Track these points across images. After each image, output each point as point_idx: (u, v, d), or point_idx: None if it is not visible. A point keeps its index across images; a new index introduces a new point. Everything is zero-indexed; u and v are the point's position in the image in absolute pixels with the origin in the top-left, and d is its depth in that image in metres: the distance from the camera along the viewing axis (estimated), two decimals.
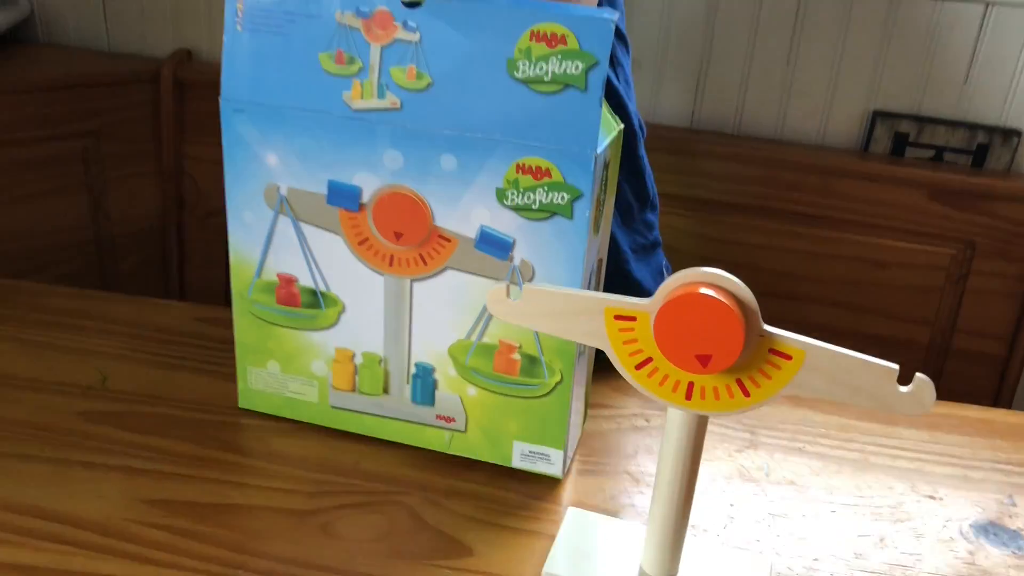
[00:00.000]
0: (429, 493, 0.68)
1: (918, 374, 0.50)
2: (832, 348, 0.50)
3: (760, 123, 1.20)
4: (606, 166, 0.63)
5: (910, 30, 1.12)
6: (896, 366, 0.50)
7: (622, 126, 0.66)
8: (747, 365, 0.51)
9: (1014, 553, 0.67)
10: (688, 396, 0.53)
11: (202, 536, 0.62)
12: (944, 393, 1.22)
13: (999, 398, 1.19)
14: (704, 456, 0.56)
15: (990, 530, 0.70)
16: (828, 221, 1.17)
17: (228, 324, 0.73)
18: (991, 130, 1.13)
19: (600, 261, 0.69)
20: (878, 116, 1.16)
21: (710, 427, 0.66)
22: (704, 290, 0.49)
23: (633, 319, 0.52)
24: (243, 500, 0.66)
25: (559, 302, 0.54)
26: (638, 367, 0.53)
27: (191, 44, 1.35)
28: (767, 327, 0.51)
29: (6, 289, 0.91)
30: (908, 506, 0.71)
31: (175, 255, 1.38)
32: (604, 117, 0.63)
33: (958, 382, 1.20)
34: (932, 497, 0.73)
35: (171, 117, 1.31)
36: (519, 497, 0.69)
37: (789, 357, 0.51)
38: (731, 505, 0.70)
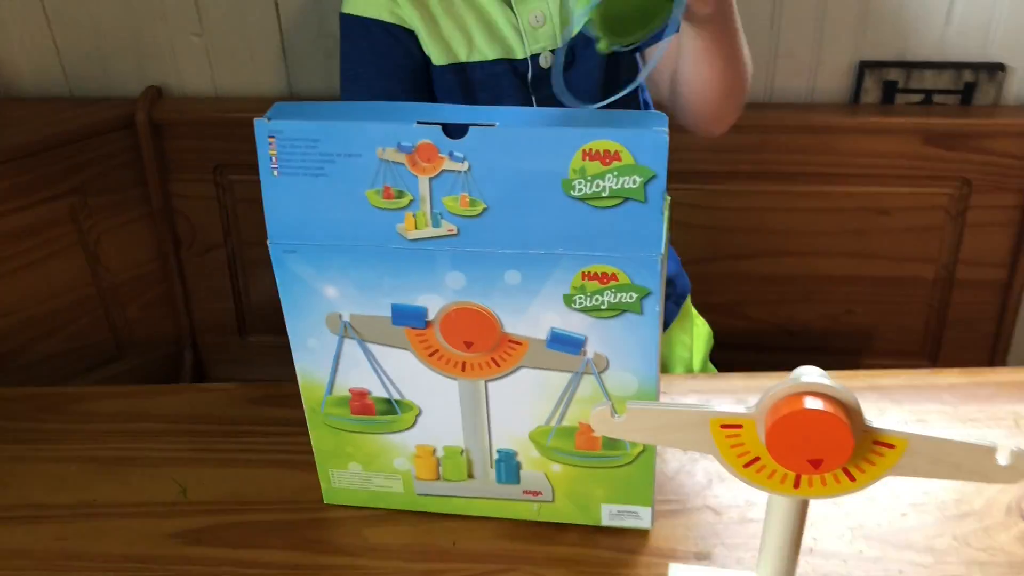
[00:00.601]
0: (531, 566, 0.72)
1: (1012, 448, 0.53)
2: (933, 437, 0.53)
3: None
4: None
5: None
6: (996, 445, 0.53)
7: (668, 198, 0.67)
8: (855, 456, 0.55)
9: None
10: (796, 486, 0.57)
11: None
12: (952, 320, 1.28)
13: (1003, 320, 1.24)
14: None
15: None
16: (827, 177, 1.19)
17: (284, 401, 0.74)
18: (976, 67, 1.15)
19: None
20: (865, 67, 1.16)
21: None
22: (811, 402, 0.52)
23: (739, 427, 0.55)
24: None
25: (664, 418, 0.57)
26: (746, 466, 0.57)
27: (159, 81, 1.30)
28: (870, 422, 0.54)
29: (50, 398, 0.91)
30: (968, 494, 0.76)
31: (180, 294, 1.37)
32: None
33: (964, 310, 1.25)
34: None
35: (152, 159, 1.28)
36: (612, 553, 0.73)
37: (892, 446, 0.54)
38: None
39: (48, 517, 0.78)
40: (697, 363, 1.05)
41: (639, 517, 0.73)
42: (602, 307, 0.63)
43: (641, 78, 0.73)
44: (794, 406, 0.52)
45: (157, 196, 1.31)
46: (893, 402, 0.86)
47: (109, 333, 1.36)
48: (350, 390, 0.70)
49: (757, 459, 0.56)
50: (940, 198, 1.19)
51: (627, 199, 0.59)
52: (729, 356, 1.08)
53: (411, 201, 0.61)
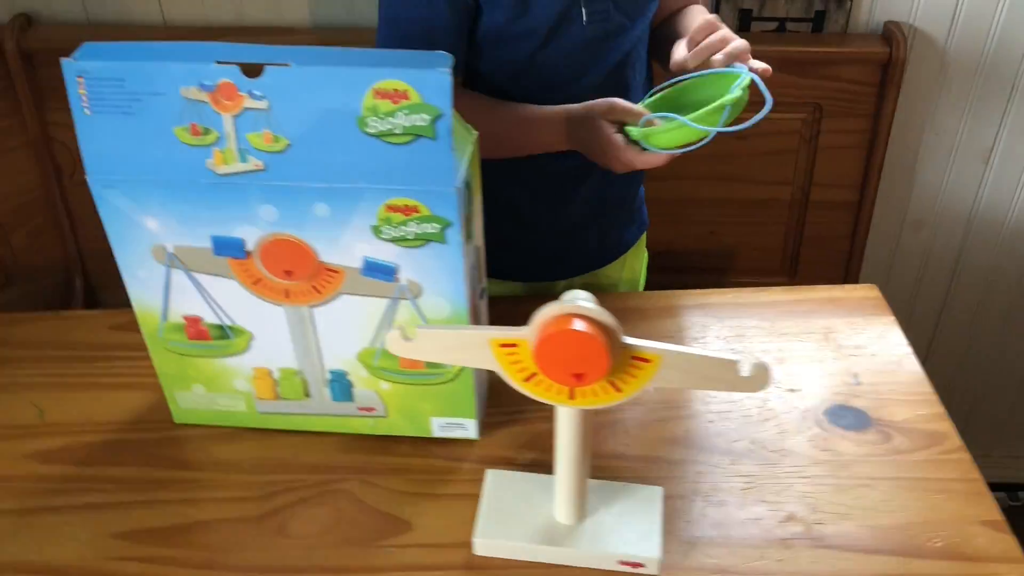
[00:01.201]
0: (365, 475, 0.78)
1: (755, 360, 0.59)
2: (682, 351, 0.59)
3: None
4: (468, 185, 0.69)
5: None
6: (737, 358, 0.59)
7: (476, 133, 0.71)
8: (616, 370, 0.61)
9: (858, 431, 0.81)
10: (571, 396, 0.63)
11: (173, 560, 0.71)
12: (808, 239, 1.36)
13: (855, 238, 1.32)
14: None
15: (839, 413, 0.83)
16: None
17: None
18: None
19: (478, 248, 0.76)
20: None
21: None
22: (574, 324, 0.57)
23: (515, 345, 0.61)
24: (202, 516, 0.75)
25: (450, 339, 0.62)
26: (526, 380, 0.62)
27: (27, 7, 1.29)
28: (627, 339, 0.60)
29: None
30: (774, 404, 0.84)
31: (66, 222, 1.38)
32: (459, 133, 0.68)
33: (819, 229, 1.32)
34: (792, 390, 0.85)
35: (26, 88, 1.27)
36: (443, 462, 0.79)
37: (648, 360, 0.60)
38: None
39: None
40: (641, 286, 1.13)
41: (465, 428, 0.79)
42: (408, 237, 0.67)
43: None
44: (557, 327, 0.57)
45: (33, 125, 1.31)
46: (716, 319, 0.93)
47: None
48: (184, 317, 0.75)
49: (535, 374, 0.61)
50: (794, 123, 1.24)
51: (419, 136, 0.63)
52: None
53: (217, 138, 0.64)
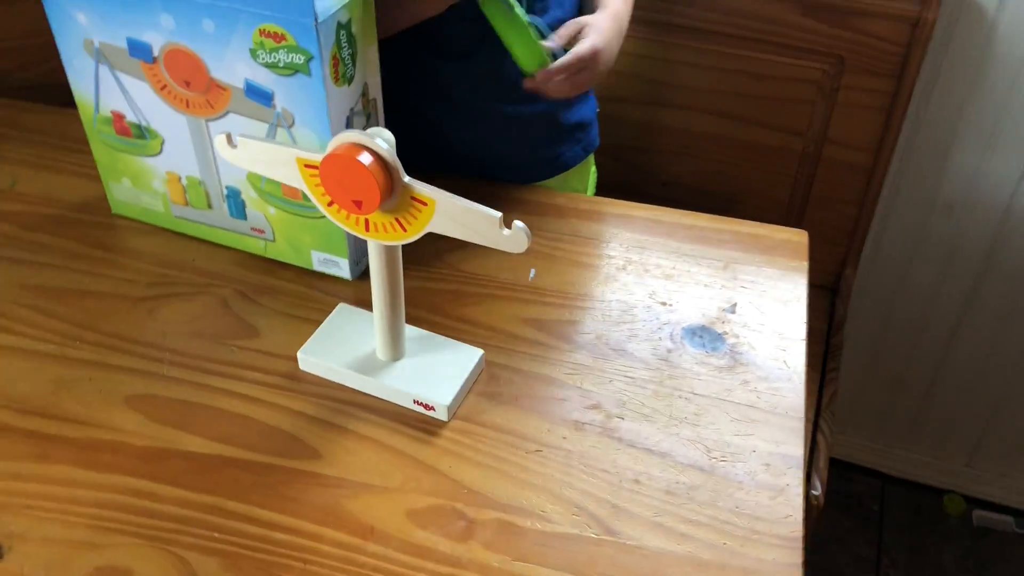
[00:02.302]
0: (242, 287, 0.86)
1: (516, 222, 0.63)
2: (453, 198, 0.64)
3: None
4: (345, 26, 0.74)
5: None
6: (498, 214, 0.63)
7: None
8: (399, 208, 0.65)
9: (706, 352, 0.82)
10: (367, 229, 0.68)
11: (58, 314, 0.83)
12: (815, 197, 1.32)
13: (864, 204, 1.27)
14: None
15: (697, 332, 0.84)
16: (707, 34, 1.22)
17: None
18: None
19: (372, 101, 0.81)
20: None
21: None
22: (360, 156, 0.62)
23: (317, 167, 0.66)
24: (96, 287, 0.86)
25: (265, 153, 0.68)
26: (328, 205, 0.68)
27: None
28: (407, 179, 0.64)
29: None
30: (638, 311, 0.86)
31: None
32: None
33: (828, 188, 1.28)
34: (665, 303, 0.87)
35: None
36: (317, 294, 0.86)
37: (425, 203, 0.64)
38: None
39: None
40: None
41: (339, 267, 0.86)
42: (279, 64, 0.74)
43: None
44: (339, 152, 0.63)
45: None
46: (631, 230, 0.95)
47: None
48: (111, 112, 0.84)
49: (334, 201, 0.67)
50: (813, 72, 1.20)
51: None
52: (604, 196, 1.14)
53: None
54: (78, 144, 1.01)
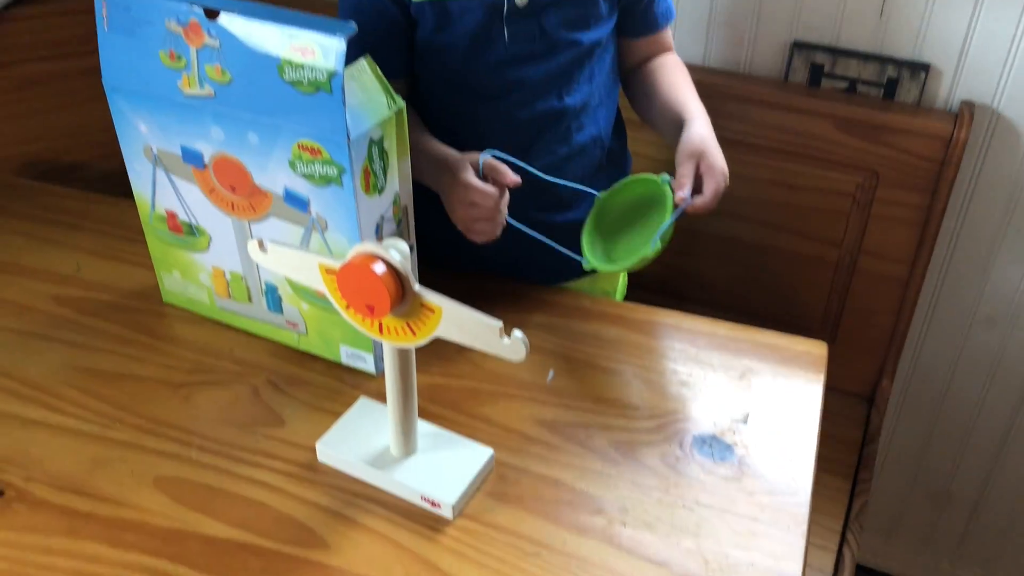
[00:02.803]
0: (273, 377, 0.91)
1: (515, 331, 0.66)
2: (459, 306, 0.67)
3: (687, 51, 1.28)
4: (377, 142, 0.80)
5: None
6: (499, 323, 0.66)
7: (400, 105, 0.81)
8: (410, 313, 0.70)
9: (714, 461, 0.83)
10: (381, 331, 0.72)
11: (102, 396, 0.89)
12: (851, 307, 1.33)
13: (900, 315, 1.27)
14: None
15: (708, 442, 0.85)
16: (748, 146, 1.25)
17: None
18: (900, 64, 1.17)
19: (403, 208, 0.86)
20: (796, 47, 1.21)
21: None
22: (374, 265, 0.67)
23: (335, 272, 0.71)
24: (140, 372, 0.92)
25: (293, 259, 0.74)
26: (347, 307, 0.73)
27: None
28: (418, 287, 0.68)
29: (29, 190, 1.19)
30: (651, 418, 0.87)
31: None
32: (377, 98, 0.79)
33: (864, 299, 1.29)
34: (678, 411, 0.88)
35: None
36: (343, 386, 0.91)
37: (433, 310, 0.69)
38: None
39: None
40: None
41: (366, 361, 0.90)
42: (315, 175, 0.80)
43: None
44: (355, 261, 0.68)
45: None
46: (649, 336, 0.97)
47: None
48: (165, 210, 0.91)
49: (350, 304, 0.71)
50: (848, 184, 1.22)
51: (319, 88, 0.75)
52: (644, 298, 1.15)
53: (186, 64, 0.80)
54: (139, 235, 1.08)
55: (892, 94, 1.19)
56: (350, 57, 0.75)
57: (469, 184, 0.88)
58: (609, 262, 0.95)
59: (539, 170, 0.94)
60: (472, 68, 0.94)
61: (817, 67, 1.21)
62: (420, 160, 0.90)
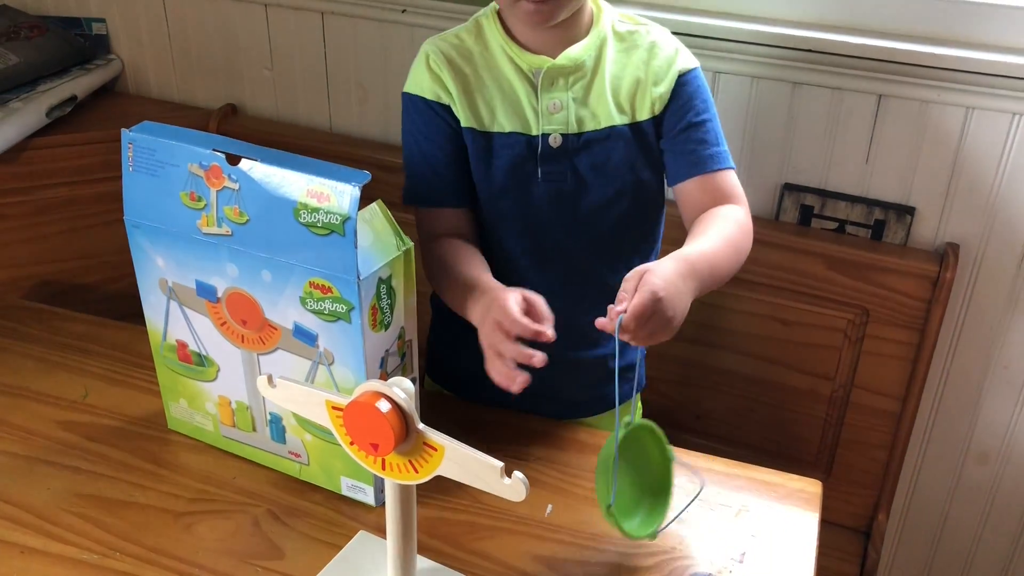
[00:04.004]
0: (274, 507, 0.92)
1: (516, 472, 0.68)
2: (459, 446, 0.69)
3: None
4: (386, 281, 0.83)
5: (812, 114, 1.23)
6: (500, 464, 0.68)
7: (408, 245, 0.85)
8: (413, 451, 0.71)
9: None
10: (384, 468, 0.74)
11: (103, 524, 0.89)
12: (846, 440, 1.34)
13: (894, 449, 1.28)
14: None
15: None
16: (740, 282, 1.29)
17: None
18: (887, 207, 1.23)
19: (408, 342, 0.89)
20: (786, 188, 1.27)
21: None
22: (379, 403, 0.69)
23: (342, 409, 0.73)
24: (143, 499, 0.92)
25: (300, 394, 0.76)
26: (351, 443, 0.74)
27: (237, 99, 1.62)
28: (421, 426, 0.70)
29: (40, 313, 1.22)
30: (647, 555, 0.88)
31: None
32: (387, 239, 0.83)
33: (858, 432, 1.30)
34: (674, 549, 0.89)
35: None
36: (341, 517, 0.91)
37: (435, 449, 0.70)
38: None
39: None
40: None
41: (366, 494, 0.91)
42: (324, 311, 0.83)
43: None
44: (361, 400, 0.70)
45: None
46: None
47: None
48: (176, 340, 0.94)
49: (355, 442, 0.73)
50: (839, 321, 1.26)
51: (332, 231, 0.79)
52: None
53: (206, 205, 0.84)
54: (146, 360, 1.11)
55: (880, 235, 1.24)
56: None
57: (508, 311, 0.84)
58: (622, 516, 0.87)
59: (570, 306, 0.94)
60: (511, 204, 1.00)
61: (807, 208, 1.26)
62: (466, 288, 0.92)
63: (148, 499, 0.93)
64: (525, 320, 0.84)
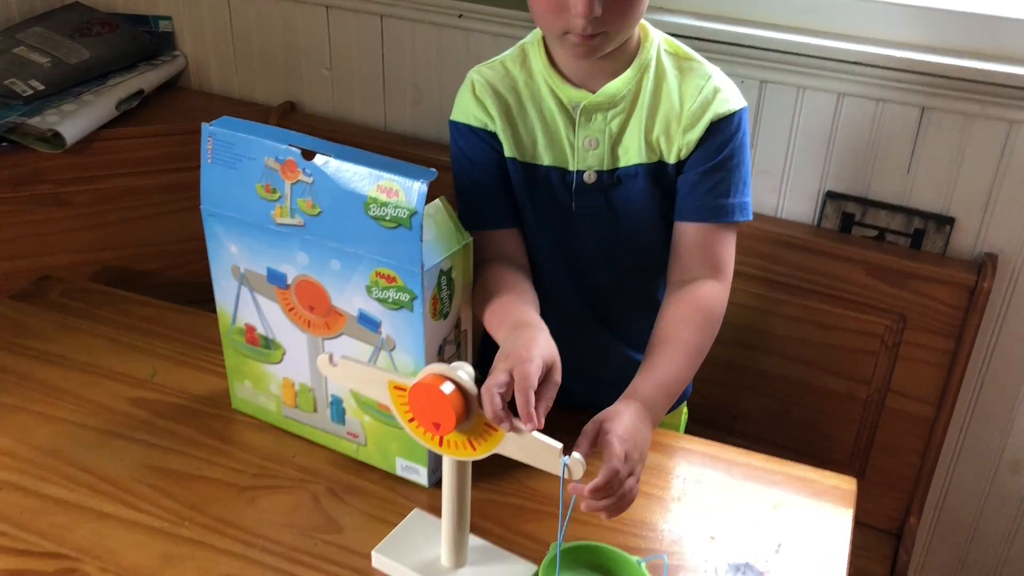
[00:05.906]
0: (332, 485, 0.97)
1: (574, 453, 0.73)
2: (519, 426, 0.74)
3: None
4: (447, 272, 0.88)
5: (856, 125, 1.26)
6: (559, 445, 0.73)
7: (468, 240, 0.90)
8: (472, 431, 0.76)
9: None
10: (441, 444, 0.79)
11: (173, 495, 0.95)
12: (880, 444, 1.37)
13: (926, 455, 1.31)
14: None
15: (741, 569, 0.89)
16: (781, 285, 1.33)
17: None
18: (927, 216, 1.25)
19: (463, 332, 0.94)
20: (829, 196, 1.30)
21: None
22: (443, 385, 0.74)
23: (404, 390, 0.78)
24: (208, 473, 0.98)
25: (361, 373, 0.81)
26: (410, 421, 0.79)
27: (296, 97, 1.68)
28: (480, 410, 0.75)
29: (110, 296, 1.28)
30: (687, 542, 0.92)
31: None
32: (448, 233, 0.88)
33: (892, 436, 1.33)
34: (713, 538, 0.93)
35: None
36: (396, 496, 0.96)
37: (495, 429, 0.75)
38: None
39: None
40: None
41: (419, 474, 0.96)
42: (389, 300, 0.88)
43: None
44: (426, 381, 0.75)
45: None
46: (690, 464, 1.02)
47: None
48: (245, 324, 1.00)
49: (415, 418, 0.78)
50: (877, 327, 1.28)
51: (400, 225, 0.84)
52: None
53: (280, 197, 0.90)
54: (211, 344, 1.17)
55: (919, 244, 1.27)
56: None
57: (527, 375, 0.78)
58: None
59: (597, 322, 0.98)
60: (545, 232, 1.02)
61: (848, 215, 1.29)
62: (503, 319, 0.90)
63: (214, 473, 0.98)
64: (531, 397, 0.76)
